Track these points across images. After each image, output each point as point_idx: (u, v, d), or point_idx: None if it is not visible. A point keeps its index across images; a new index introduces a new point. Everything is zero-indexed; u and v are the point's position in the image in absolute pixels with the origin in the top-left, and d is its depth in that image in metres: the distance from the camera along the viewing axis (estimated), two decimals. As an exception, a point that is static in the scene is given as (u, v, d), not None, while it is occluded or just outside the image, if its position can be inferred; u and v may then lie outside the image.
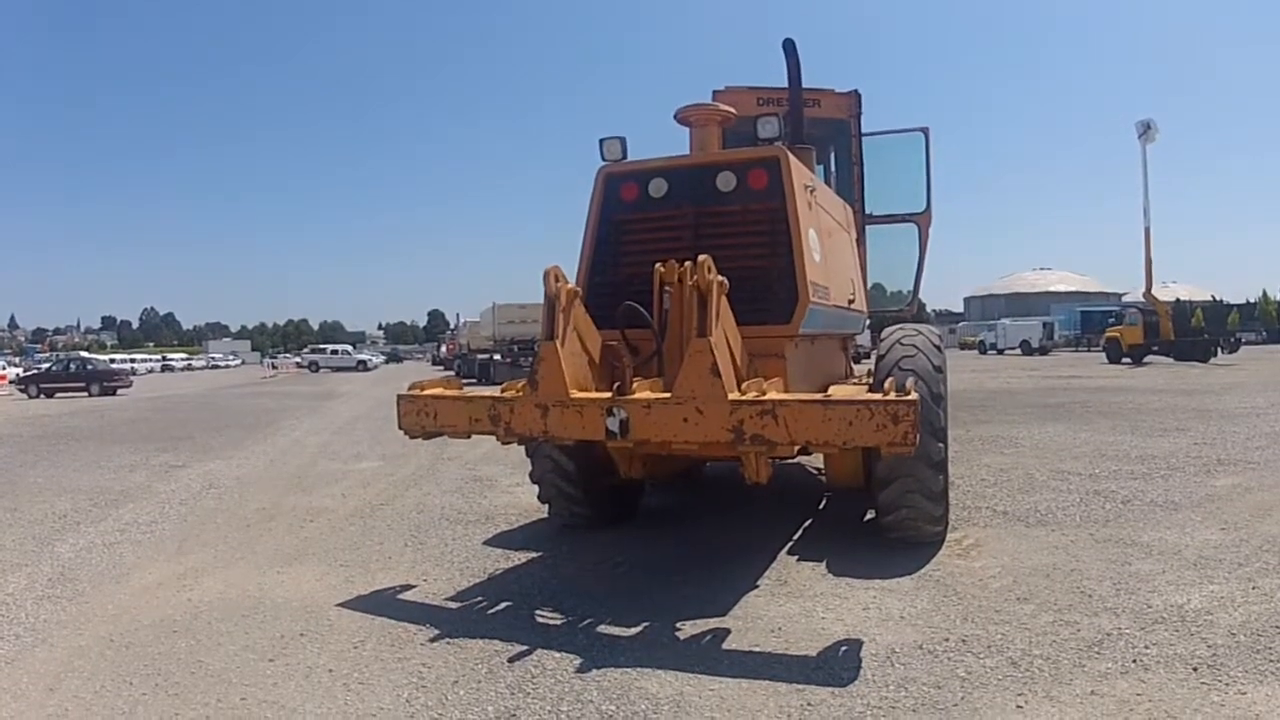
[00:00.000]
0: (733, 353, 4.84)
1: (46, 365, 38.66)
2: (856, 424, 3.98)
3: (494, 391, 5.09)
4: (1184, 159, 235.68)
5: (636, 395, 4.50)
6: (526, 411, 4.73)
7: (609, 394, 4.57)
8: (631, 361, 5.33)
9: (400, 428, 5.26)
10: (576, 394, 4.65)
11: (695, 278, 4.52)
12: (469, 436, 5.17)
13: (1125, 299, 60.10)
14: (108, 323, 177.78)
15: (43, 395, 31.18)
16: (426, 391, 5.25)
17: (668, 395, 4.44)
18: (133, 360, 60.95)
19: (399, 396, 5.30)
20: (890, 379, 4.44)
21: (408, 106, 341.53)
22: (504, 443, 5.01)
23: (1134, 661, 3.80)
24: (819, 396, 4.25)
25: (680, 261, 5.10)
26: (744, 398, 4.26)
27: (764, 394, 4.33)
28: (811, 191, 5.70)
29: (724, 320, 4.68)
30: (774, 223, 5.30)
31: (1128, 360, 32.56)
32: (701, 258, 4.55)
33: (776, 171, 5.33)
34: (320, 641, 4.47)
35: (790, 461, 7.29)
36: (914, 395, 4.03)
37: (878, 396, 4.05)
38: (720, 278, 4.56)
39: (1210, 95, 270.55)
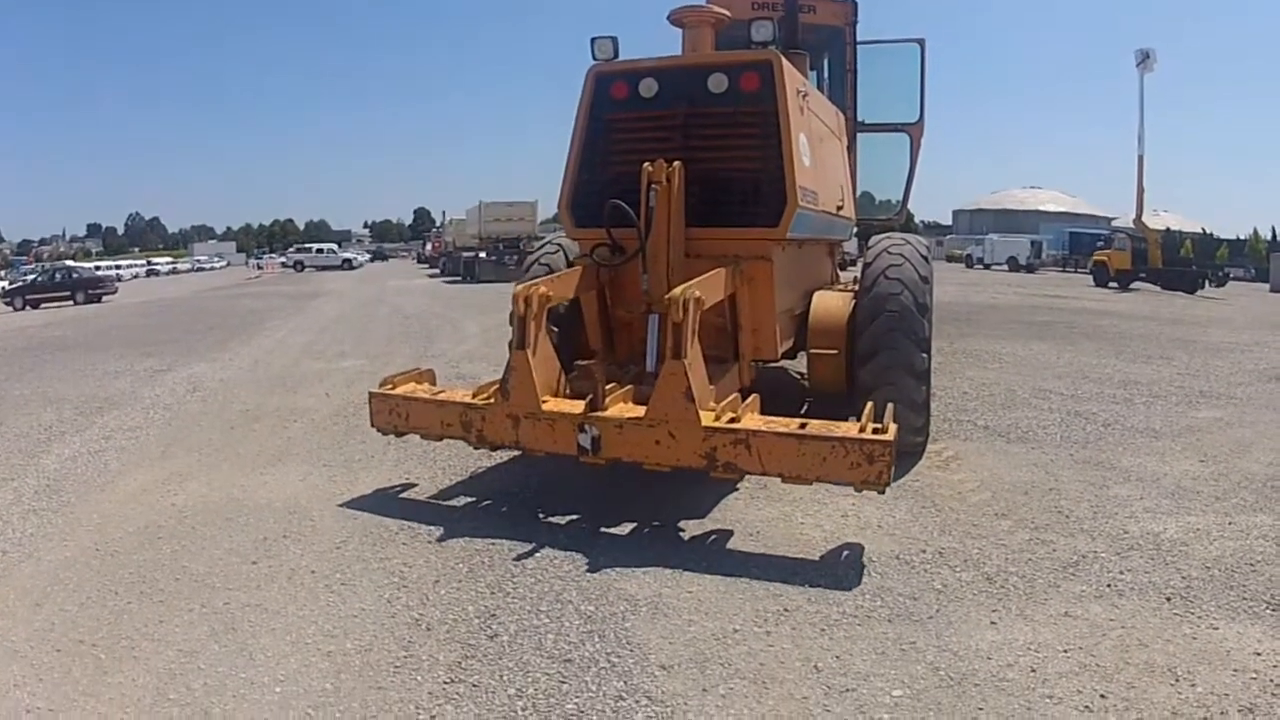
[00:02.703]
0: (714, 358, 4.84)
1: (31, 277, 37.93)
2: (830, 460, 3.92)
3: (466, 396, 4.99)
4: (1183, 91, 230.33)
5: (609, 413, 4.42)
6: (498, 420, 4.69)
7: (581, 408, 4.47)
8: (615, 260, 5.30)
9: (372, 425, 5.24)
10: (549, 406, 4.59)
11: (669, 304, 4.33)
12: (440, 439, 5.16)
13: (1115, 223, 59.57)
14: (93, 230, 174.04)
15: (29, 307, 30.81)
16: (398, 390, 5.17)
17: (640, 415, 4.34)
18: (118, 266, 59.76)
19: (371, 394, 5.23)
20: (870, 405, 4.23)
21: (396, 3, 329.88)
22: (475, 448, 4.99)
23: (1108, 586, 3.85)
24: (794, 429, 4.10)
25: (669, 161, 5.01)
26: (718, 425, 4.17)
27: (738, 418, 4.24)
28: (803, 96, 5.56)
29: (704, 309, 4.54)
30: (765, 126, 5.17)
31: (1114, 284, 32.49)
32: (676, 291, 4.37)
33: (769, 75, 5.17)
34: (303, 543, 4.51)
35: (773, 365, 7.31)
36: (891, 434, 3.91)
37: (854, 434, 3.95)
38: (697, 294, 4.40)
39: (1212, 31, 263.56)
